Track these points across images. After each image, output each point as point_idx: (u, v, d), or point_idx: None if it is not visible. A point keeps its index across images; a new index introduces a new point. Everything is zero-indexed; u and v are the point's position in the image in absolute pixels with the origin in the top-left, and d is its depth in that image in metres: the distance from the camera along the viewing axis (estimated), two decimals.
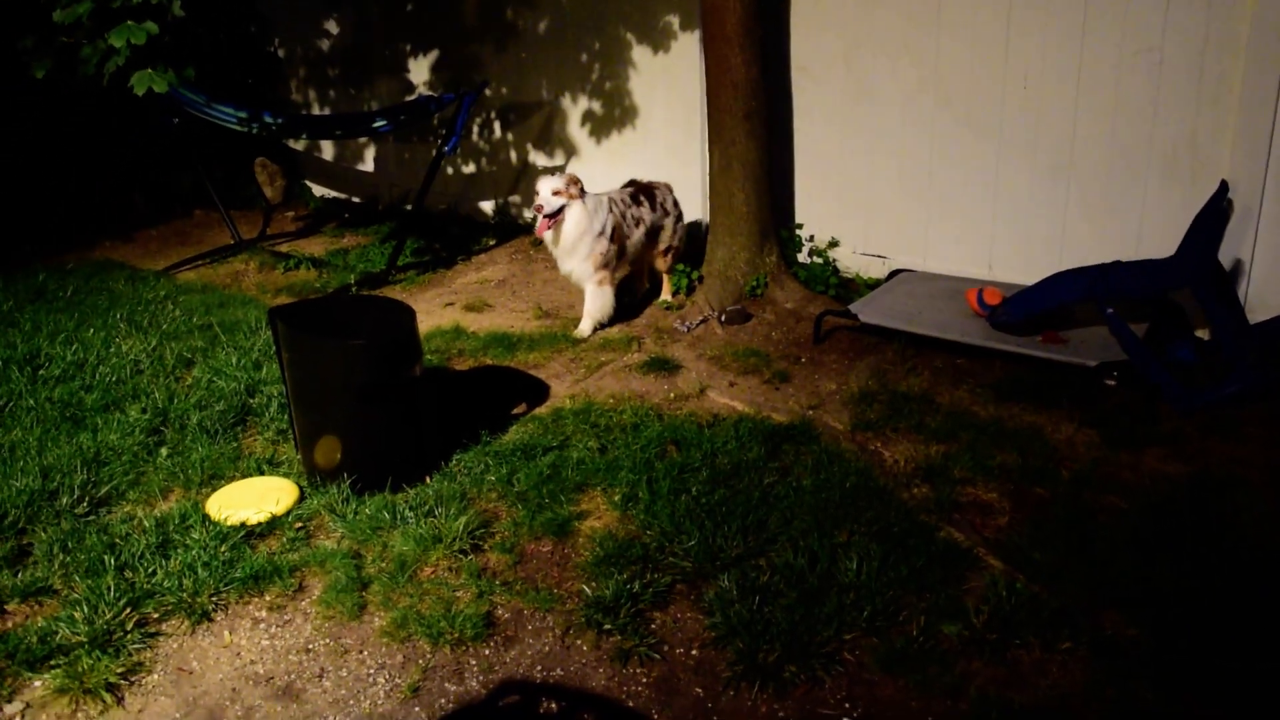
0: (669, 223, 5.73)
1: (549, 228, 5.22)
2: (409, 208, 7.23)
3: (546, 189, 5.18)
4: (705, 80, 5.70)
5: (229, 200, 8.83)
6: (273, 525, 3.75)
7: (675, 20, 6.37)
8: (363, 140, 8.62)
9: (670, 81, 6.54)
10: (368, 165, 8.80)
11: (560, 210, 5.19)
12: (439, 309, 6.23)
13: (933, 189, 5.75)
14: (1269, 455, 4.00)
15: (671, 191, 5.82)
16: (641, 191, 5.68)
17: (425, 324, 5.86)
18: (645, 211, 5.59)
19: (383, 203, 8.71)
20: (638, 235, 5.55)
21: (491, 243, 7.53)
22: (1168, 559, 3.32)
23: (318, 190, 9.29)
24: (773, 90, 5.81)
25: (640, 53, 6.65)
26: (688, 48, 6.30)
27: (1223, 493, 3.74)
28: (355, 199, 9.01)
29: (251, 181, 9.16)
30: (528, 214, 5.31)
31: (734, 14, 5.41)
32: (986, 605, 3.08)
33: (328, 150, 9.09)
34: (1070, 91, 5.18)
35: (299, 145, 9.24)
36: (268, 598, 3.38)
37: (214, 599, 3.35)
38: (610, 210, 5.35)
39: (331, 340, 3.79)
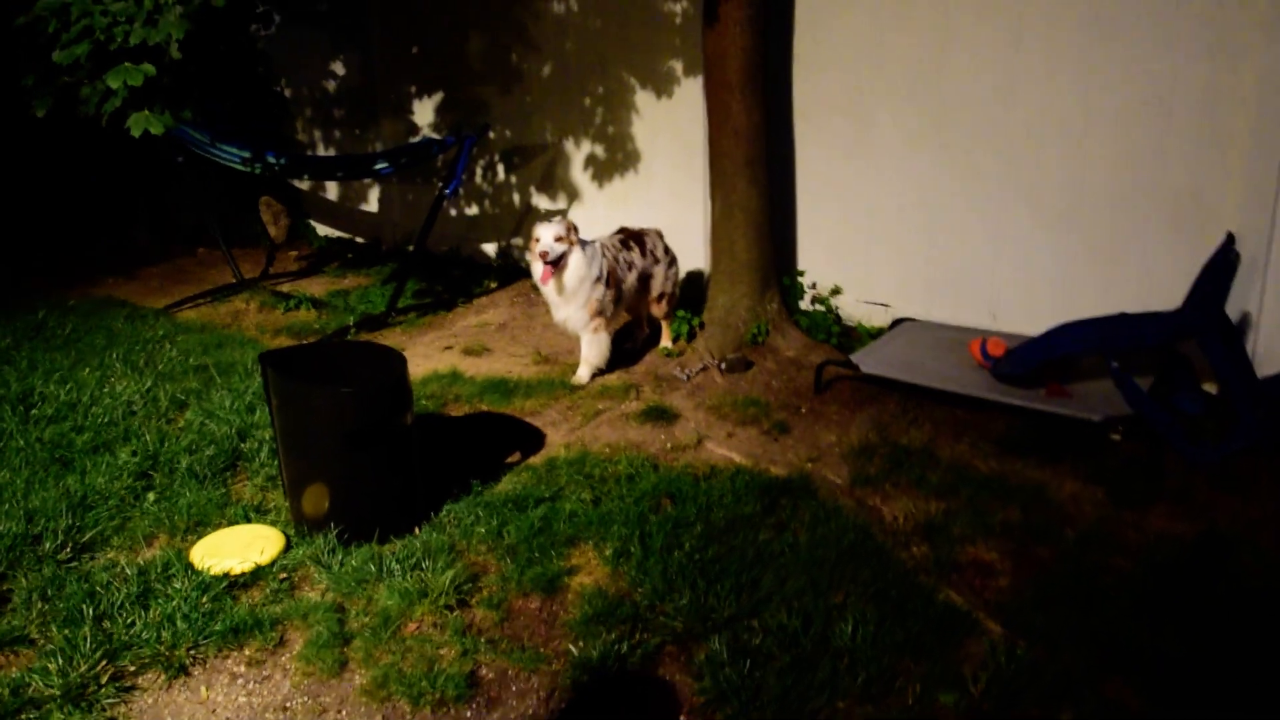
0: (660, 269, 5.67)
1: (552, 275, 5.15)
2: (411, 249, 7.21)
3: (549, 235, 5.11)
4: (707, 127, 5.67)
5: (233, 238, 8.84)
6: (257, 575, 3.67)
7: (679, 66, 6.36)
8: (367, 181, 8.62)
9: (673, 127, 6.52)
10: (371, 206, 8.79)
11: (562, 257, 5.14)
12: (437, 352, 6.17)
13: (936, 237, 5.70)
14: (1278, 513, 3.91)
15: (662, 238, 5.77)
16: (631, 238, 5.63)
17: (423, 368, 5.81)
18: (636, 257, 5.54)
19: (386, 243, 8.69)
20: (630, 281, 5.49)
21: (493, 285, 7.49)
22: (1173, 623, 3.22)
23: (321, 230, 9.28)
24: (775, 136, 5.78)
25: (643, 98, 6.63)
26: (690, 93, 6.28)
27: (1230, 553, 3.64)
28: (359, 239, 8.99)
29: (256, 220, 9.18)
30: (529, 259, 5.23)
31: (736, 61, 5.39)
32: (985, 672, 2.98)
33: (332, 190, 9.09)
34: (1075, 140, 5.14)
35: (304, 185, 9.24)
36: (247, 651, 3.29)
37: (192, 652, 3.27)
38: (604, 256, 5.30)
39: (320, 387, 3.73)
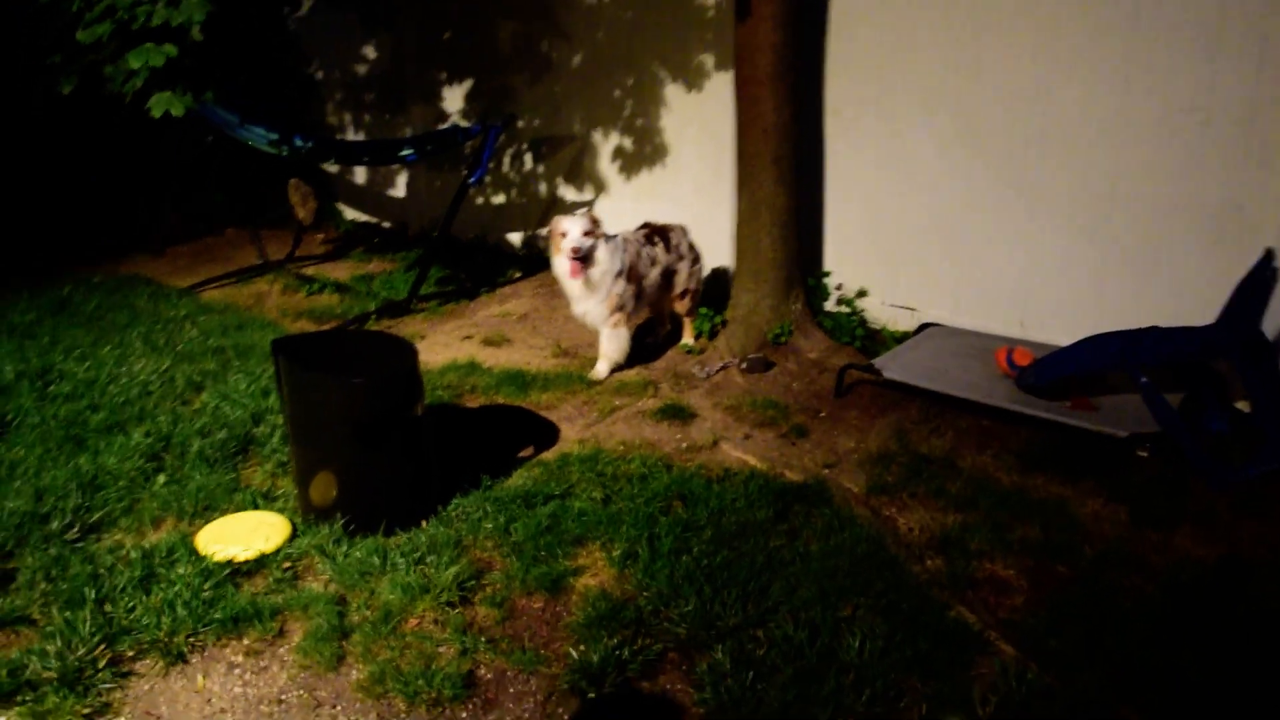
0: (684, 266, 5.59)
1: (580, 271, 5.09)
2: (435, 235, 7.17)
3: (577, 230, 5.03)
4: (736, 122, 5.58)
5: (261, 219, 8.86)
6: (261, 563, 3.65)
7: (709, 60, 6.27)
8: (394, 166, 8.59)
9: (702, 121, 6.43)
10: (399, 191, 8.76)
11: (590, 252, 5.07)
12: (457, 341, 6.13)
13: (965, 241, 5.59)
14: None
15: (687, 234, 5.69)
16: (656, 233, 5.55)
17: (441, 357, 5.78)
18: (660, 253, 5.46)
19: (412, 229, 8.67)
20: (653, 276, 5.42)
21: (517, 275, 7.44)
22: (1192, 650, 3.12)
23: (349, 213, 9.27)
24: (804, 134, 5.68)
25: (673, 91, 6.56)
26: (720, 88, 6.19)
27: (1254, 579, 3.53)
28: (385, 224, 8.97)
29: (284, 201, 9.16)
30: (552, 252, 5.16)
31: (766, 56, 5.30)
32: (995, 695, 2.90)
33: (360, 174, 9.08)
34: (1111, 148, 5.01)
35: (332, 168, 9.23)
36: (246, 641, 3.26)
37: (191, 640, 3.24)
38: (626, 251, 5.23)
39: (331, 377, 3.69)
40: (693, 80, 6.41)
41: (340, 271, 7.74)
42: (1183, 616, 3.30)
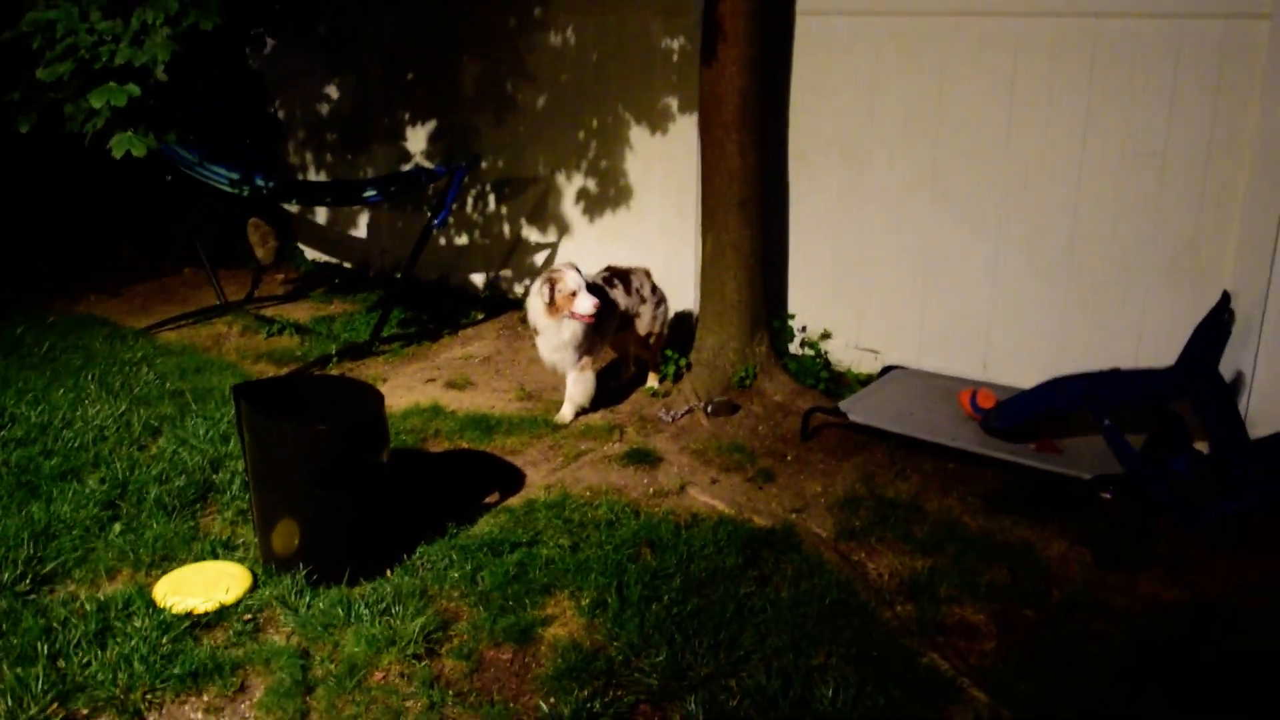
0: (646, 310, 5.59)
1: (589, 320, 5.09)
2: (398, 277, 7.12)
3: (581, 285, 5.04)
4: (700, 165, 5.61)
5: (220, 259, 8.73)
6: (221, 615, 3.57)
7: (674, 102, 6.30)
8: (356, 206, 8.52)
9: (667, 163, 6.46)
10: (361, 231, 8.70)
11: (599, 311, 5.08)
12: (420, 384, 6.07)
13: (928, 284, 5.63)
14: (1270, 580, 3.82)
15: (649, 277, 5.69)
16: (617, 276, 5.55)
17: (404, 400, 5.71)
18: (620, 295, 5.46)
19: (374, 270, 8.60)
20: (613, 321, 5.42)
21: (480, 316, 7.40)
22: (1158, 696, 3.13)
23: (310, 253, 9.18)
24: (769, 177, 5.72)
25: (638, 133, 6.57)
26: (686, 130, 6.22)
27: (1219, 622, 3.55)
28: (347, 264, 8.90)
29: (244, 241, 9.07)
30: (540, 303, 5.12)
31: (732, 101, 5.34)
32: None
33: (321, 214, 9.00)
34: (1071, 191, 5.09)
35: (293, 208, 9.15)
36: (205, 698, 3.18)
37: (149, 696, 3.16)
38: (593, 295, 5.22)
39: (292, 423, 3.63)
40: (657, 123, 6.44)
41: (301, 312, 7.66)
42: (1148, 662, 3.30)
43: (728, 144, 5.41)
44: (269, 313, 7.63)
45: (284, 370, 6.33)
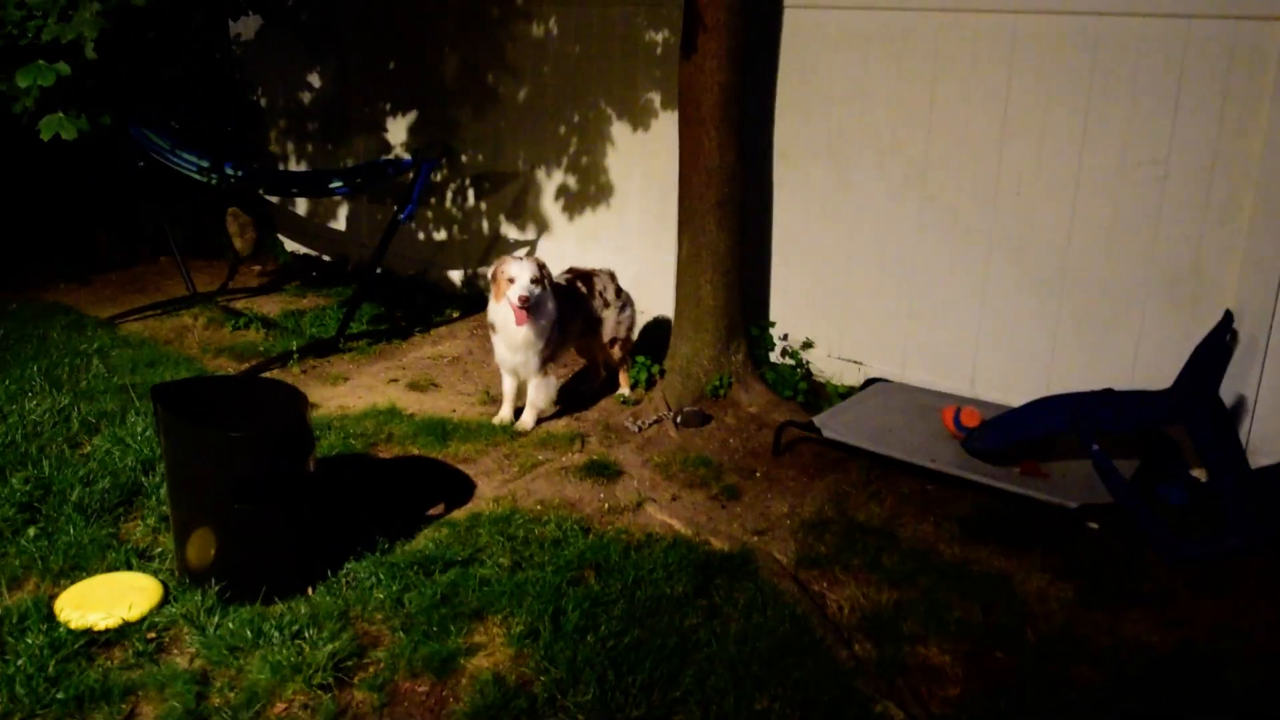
0: (610, 314, 5.30)
1: (527, 319, 4.76)
2: (378, 270, 6.86)
3: (526, 276, 4.69)
4: (679, 163, 5.32)
5: (199, 249, 8.52)
6: (123, 633, 3.29)
7: (656, 98, 6.03)
8: (336, 198, 8.27)
9: (648, 161, 6.18)
10: (340, 224, 8.45)
11: (539, 300, 4.78)
12: (382, 384, 5.81)
13: (915, 294, 5.33)
14: (1266, 624, 3.52)
15: (614, 280, 5.41)
16: (580, 278, 5.28)
17: (363, 401, 5.45)
18: (583, 300, 5.18)
19: (351, 263, 8.34)
20: (576, 325, 5.14)
21: (455, 314, 7.13)
22: None
23: (289, 245, 8.93)
24: (751, 179, 5.43)
25: (619, 129, 6.30)
26: (667, 128, 5.94)
27: (1211, 668, 3.26)
28: (325, 257, 8.64)
29: (224, 231, 8.84)
30: (493, 297, 4.85)
31: (711, 96, 5.06)
32: None
33: (301, 205, 8.75)
34: (1066, 201, 4.79)
35: (274, 198, 8.91)
36: None
37: None
38: (554, 298, 4.94)
39: (206, 429, 3.36)
40: (639, 119, 6.16)
41: (272, 306, 7.40)
42: (1132, 712, 3.01)
43: (706, 140, 5.13)
44: (239, 305, 7.38)
45: (245, 366, 6.07)
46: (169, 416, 3.39)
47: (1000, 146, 4.92)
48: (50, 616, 3.35)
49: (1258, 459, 4.41)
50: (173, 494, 3.53)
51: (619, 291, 5.37)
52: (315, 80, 8.30)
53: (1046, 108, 4.76)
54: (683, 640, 3.26)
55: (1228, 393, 4.46)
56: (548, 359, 4.97)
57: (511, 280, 4.71)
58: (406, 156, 7.30)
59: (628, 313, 5.38)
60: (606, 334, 5.31)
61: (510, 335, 4.85)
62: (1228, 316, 4.36)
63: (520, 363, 4.95)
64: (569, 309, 5.05)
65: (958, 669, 3.26)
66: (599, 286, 5.28)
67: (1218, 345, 4.34)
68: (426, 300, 7.40)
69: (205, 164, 6.87)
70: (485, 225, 7.32)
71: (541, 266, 4.80)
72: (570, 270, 5.33)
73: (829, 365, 5.71)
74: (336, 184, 6.57)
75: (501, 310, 4.81)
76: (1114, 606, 3.63)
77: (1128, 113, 4.55)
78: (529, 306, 4.69)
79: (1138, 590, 3.73)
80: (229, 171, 6.82)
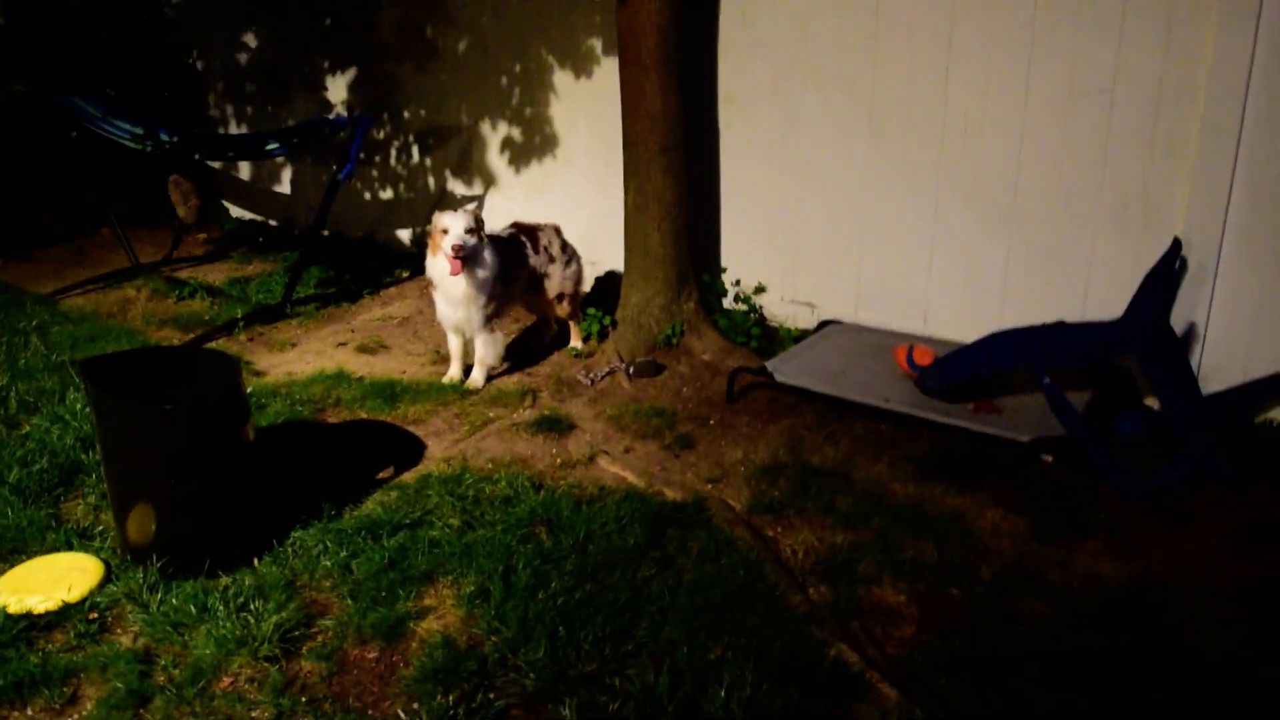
0: (555, 269, 5.21)
1: (463, 270, 4.67)
2: (323, 233, 6.71)
3: (459, 226, 4.61)
4: (622, 110, 5.21)
5: (140, 219, 8.31)
6: (64, 615, 3.21)
7: (598, 44, 5.90)
8: (279, 160, 8.09)
9: (593, 110, 6.06)
10: (284, 187, 8.28)
11: (473, 252, 4.67)
12: (331, 348, 5.70)
13: (865, 234, 5.28)
14: (1219, 553, 3.52)
15: (560, 234, 5.31)
16: (524, 233, 5.18)
17: (311, 366, 5.35)
18: (528, 254, 5.09)
19: (298, 227, 8.18)
20: (520, 279, 5.05)
21: (405, 275, 7.02)
22: (1093, 686, 2.83)
23: (235, 211, 8.75)
24: (696, 123, 5.33)
25: (562, 78, 6.17)
26: (610, 76, 5.80)
27: (1163, 600, 3.25)
28: (272, 221, 8.48)
29: (166, 199, 8.63)
30: (430, 251, 4.76)
31: (651, 39, 4.94)
32: None
33: (245, 170, 8.57)
34: (1014, 134, 4.74)
35: (217, 164, 8.70)
36: (30, 711, 2.84)
37: None
38: (497, 251, 4.84)
39: (135, 403, 3.26)
40: (581, 66, 6.04)
41: (217, 274, 7.25)
42: (1084, 646, 3.01)
43: (647, 86, 5.02)
44: (184, 274, 7.23)
45: (190, 337, 5.94)
46: (99, 392, 3.29)
47: (946, 81, 4.85)
48: None
49: (1210, 385, 4.42)
50: (109, 471, 3.44)
51: (564, 246, 5.28)
52: (252, 40, 8.08)
53: (990, 40, 4.69)
54: (635, 593, 3.22)
55: (1178, 321, 4.45)
56: (491, 315, 4.89)
57: (445, 231, 4.63)
58: (343, 114, 7.13)
59: (574, 267, 5.29)
60: (553, 289, 5.23)
61: (449, 290, 4.76)
62: (1176, 244, 4.34)
63: (463, 319, 4.86)
64: (512, 263, 4.95)
65: (912, 609, 3.24)
66: (544, 241, 5.18)
67: (1167, 273, 4.32)
68: (376, 261, 7.28)
69: (139, 131, 6.68)
70: (431, 182, 7.19)
71: (477, 218, 4.70)
72: (514, 224, 5.23)
73: (782, 309, 5.66)
74: (273, 145, 6.41)
75: (439, 264, 4.72)
76: (1067, 539, 3.62)
77: (1072, 42, 4.49)
78: (464, 256, 4.60)
79: (1091, 522, 3.73)
80: (164, 138, 6.63)
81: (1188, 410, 4.14)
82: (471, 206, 6.13)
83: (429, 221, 7.13)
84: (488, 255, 4.76)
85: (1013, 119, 4.72)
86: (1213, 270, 4.39)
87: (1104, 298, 4.64)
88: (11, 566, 3.48)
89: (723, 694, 2.75)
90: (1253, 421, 4.39)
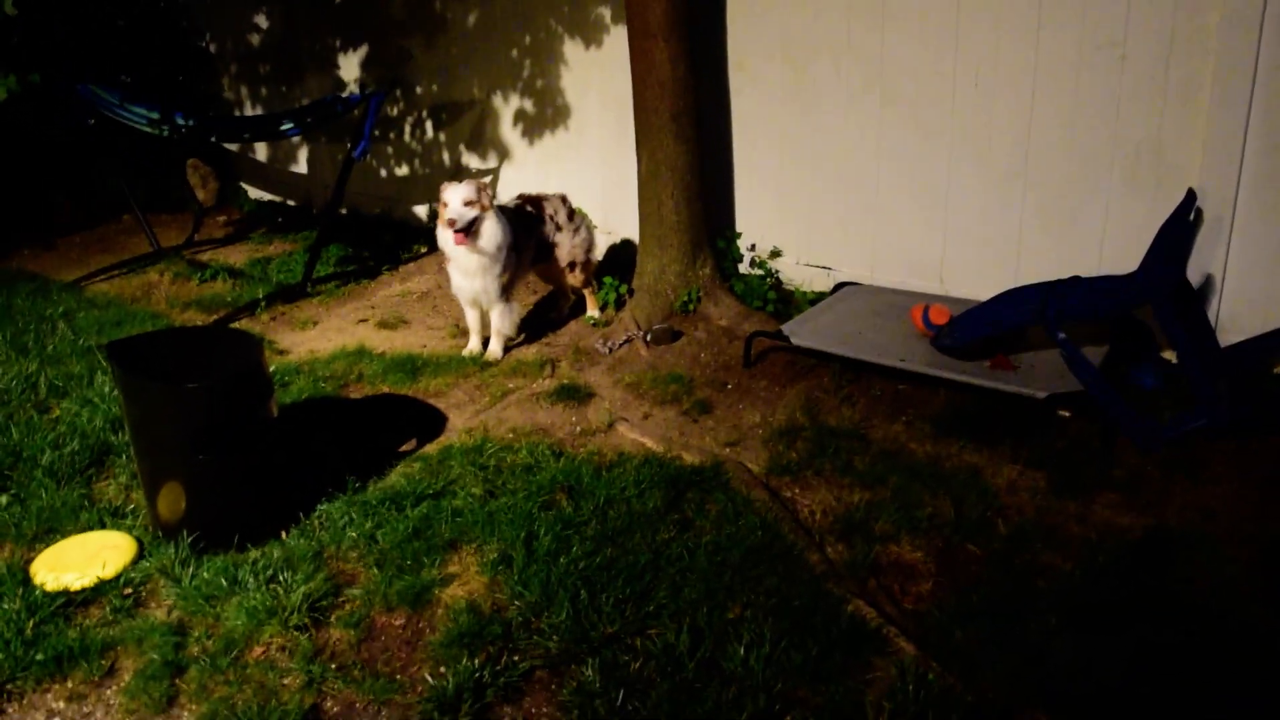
0: (564, 237, 5.24)
1: (464, 242, 4.72)
2: (341, 212, 6.77)
3: (457, 199, 4.66)
4: (632, 78, 5.22)
5: (161, 204, 8.41)
6: (99, 591, 3.29)
7: (606, 13, 5.90)
8: (295, 140, 8.15)
9: (604, 79, 6.06)
10: (301, 167, 8.33)
11: (473, 223, 4.70)
12: (352, 325, 5.77)
13: (879, 196, 5.28)
14: (1238, 504, 3.54)
15: (567, 203, 5.34)
16: (529, 203, 5.21)
17: (332, 343, 5.42)
18: (535, 223, 5.13)
19: (316, 206, 8.25)
20: (529, 249, 5.09)
21: (423, 250, 7.07)
22: (1113, 639, 2.87)
23: (253, 192, 8.82)
24: (707, 89, 5.34)
25: (572, 48, 6.18)
26: (620, 43, 5.79)
27: (1182, 551, 3.27)
28: (290, 201, 8.55)
29: (185, 183, 8.71)
30: (438, 225, 4.79)
31: (659, 6, 4.95)
32: (890, 703, 2.62)
33: (262, 151, 8.63)
34: (1025, 91, 4.71)
35: (234, 146, 8.77)
36: (70, 684, 2.92)
37: (9, 687, 2.89)
38: (509, 221, 4.87)
39: (161, 383, 3.33)
40: (591, 35, 6.04)
41: (238, 255, 7.33)
42: (1103, 600, 3.04)
43: (657, 53, 5.03)
44: (205, 257, 7.31)
45: (213, 318, 6.02)
46: (123, 373, 3.36)
47: (956, 39, 4.82)
48: (26, 581, 3.34)
49: (1227, 337, 4.41)
50: (138, 450, 3.51)
51: (572, 214, 5.31)
52: (263, 21, 8.12)
53: None
54: (655, 556, 3.28)
55: (1195, 272, 4.44)
56: (507, 285, 4.93)
57: (445, 204, 4.67)
58: (356, 92, 7.16)
59: (583, 235, 5.32)
60: (563, 258, 5.27)
61: (461, 262, 4.81)
62: (1190, 195, 4.32)
63: (480, 290, 4.90)
64: (521, 233, 4.98)
65: (930, 565, 3.28)
66: (549, 210, 5.21)
67: (1182, 224, 4.30)
68: (394, 237, 7.33)
69: (155, 115, 6.74)
70: (446, 157, 7.22)
71: (482, 189, 4.72)
72: (520, 196, 5.26)
73: (798, 272, 5.68)
74: (288, 125, 6.46)
75: (443, 235, 4.76)
76: (1084, 493, 3.64)
77: None
78: (463, 229, 4.64)
79: (1108, 476, 3.75)
80: (180, 121, 6.69)
81: (1205, 362, 4.13)
82: (486, 179, 6.15)
83: None
84: (496, 225, 4.77)
85: (1024, 76, 4.70)
86: (1229, 221, 4.37)
87: (1119, 252, 4.63)
88: (47, 546, 3.57)
89: (742, 651, 2.80)
90: (1271, 372, 4.38)
